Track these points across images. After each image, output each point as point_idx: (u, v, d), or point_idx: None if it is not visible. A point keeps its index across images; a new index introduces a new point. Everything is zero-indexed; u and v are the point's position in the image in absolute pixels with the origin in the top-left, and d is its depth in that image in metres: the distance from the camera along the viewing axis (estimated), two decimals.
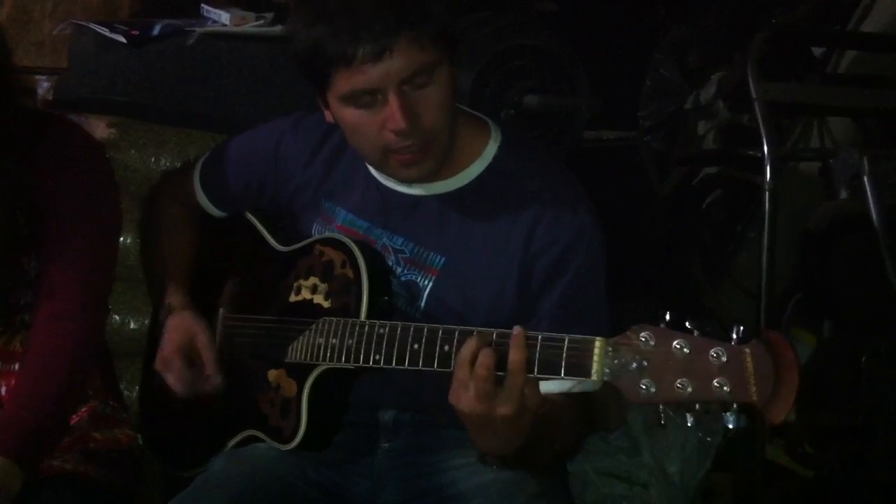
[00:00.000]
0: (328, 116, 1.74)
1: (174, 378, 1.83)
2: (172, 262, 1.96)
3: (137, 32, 2.72)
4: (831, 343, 2.84)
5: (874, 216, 2.53)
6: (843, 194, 2.63)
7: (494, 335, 1.48)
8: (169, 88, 2.71)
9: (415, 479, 1.78)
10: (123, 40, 2.69)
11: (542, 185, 1.74)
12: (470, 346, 1.47)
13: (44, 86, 2.86)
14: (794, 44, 3.18)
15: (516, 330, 1.45)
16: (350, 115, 1.66)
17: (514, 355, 1.44)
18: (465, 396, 1.46)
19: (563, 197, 1.73)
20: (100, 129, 2.64)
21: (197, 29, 2.75)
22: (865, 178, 2.55)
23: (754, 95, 2.60)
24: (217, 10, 2.83)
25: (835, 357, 2.73)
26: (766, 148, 2.54)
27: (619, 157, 3.67)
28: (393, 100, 1.60)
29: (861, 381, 2.60)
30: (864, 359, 2.60)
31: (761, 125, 2.56)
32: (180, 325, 1.85)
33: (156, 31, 2.75)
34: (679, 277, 3.47)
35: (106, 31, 2.72)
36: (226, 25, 2.80)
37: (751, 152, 2.70)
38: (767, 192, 2.53)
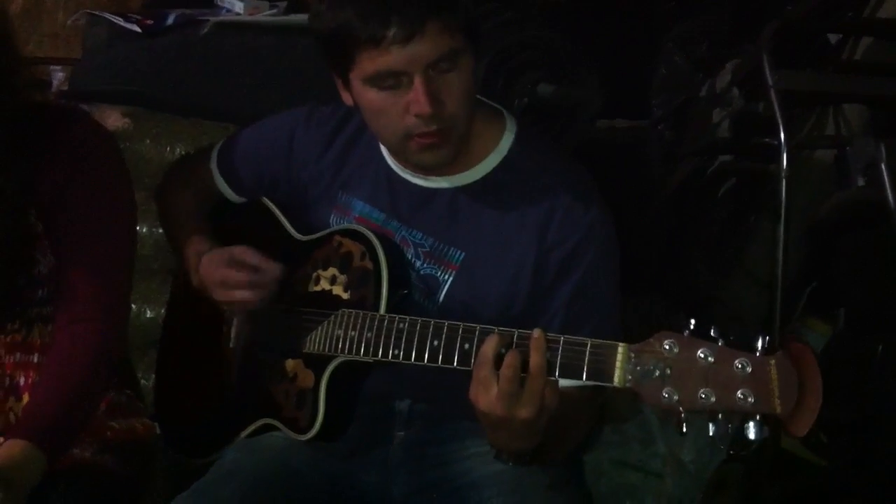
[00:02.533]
0: (347, 99, 1.73)
1: (243, 293, 1.77)
2: (191, 229, 1.93)
3: (151, 22, 2.73)
4: (846, 333, 2.83)
5: (891, 205, 2.51)
6: (859, 183, 2.61)
7: (515, 336, 1.48)
8: (182, 78, 2.71)
9: (428, 468, 1.78)
10: (138, 30, 2.70)
11: (555, 179, 1.74)
12: (492, 344, 1.46)
13: (58, 76, 2.87)
14: (809, 31, 3.16)
15: (536, 333, 1.45)
16: (372, 98, 1.64)
17: (535, 359, 1.44)
18: (484, 396, 1.46)
19: (575, 192, 1.72)
20: (113, 119, 2.65)
21: (210, 18, 2.75)
22: (882, 167, 2.53)
23: (770, 83, 2.58)
24: (231, 0, 2.83)
25: (848, 348, 2.72)
26: (781, 136, 2.52)
27: (628, 146, 3.65)
28: (419, 83, 1.59)
29: (874, 373, 2.60)
30: (878, 349, 2.59)
31: (777, 113, 2.55)
32: (214, 257, 1.80)
33: (169, 20, 2.75)
34: (690, 268, 3.46)
35: (120, 21, 2.73)
36: (239, 15, 2.80)
37: (766, 140, 2.69)
38: (783, 181, 2.52)
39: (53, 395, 1.67)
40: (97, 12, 2.81)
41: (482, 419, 1.50)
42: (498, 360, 1.45)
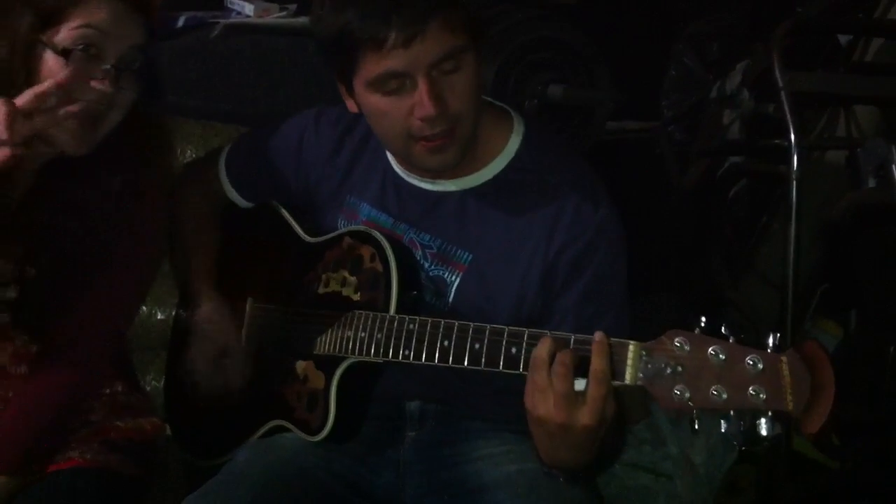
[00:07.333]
0: (351, 106, 1.72)
1: (203, 369, 1.84)
2: (199, 255, 1.96)
3: (161, 25, 2.73)
4: (858, 334, 2.82)
5: None
6: (870, 184, 2.60)
7: (572, 340, 1.46)
8: (193, 81, 2.72)
9: (439, 470, 1.78)
10: None
11: (563, 179, 1.73)
12: (545, 347, 1.44)
13: None
14: (820, 32, 3.15)
15: (598, 336, 1.42)
16: (376, 102, 1.63)
17: (598, 364, 1.41)
18: (542, 402, 1.43)
19: (583, 192, 1.72)
20: None
21: (221, 21, 2.76)
22: (893, 168, 2.52)
23: (780, 85, 2.58)
24: (241, 2, 2.85)
25: (861, 348, 2.71)
26: (792, 137, 2.52)
27: (641, 148, 3.65)
28: (422, 85, 1.57)
29: (888, 373, 2.58)
30: (891, 350, 2.58)
31: (787, 114, 2.54)
32: (211, 319, 1.85)
33: (180, 23, 2.76)
34: (702, 269, 3.46)
35: None
36: (249, 17, 2.81)
37: (777, 142, 2.68)
38: (794, 182, 2.51)
39: (22, 416, 1.68)
40: None
41: (539, 429, 1.47)
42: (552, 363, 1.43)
